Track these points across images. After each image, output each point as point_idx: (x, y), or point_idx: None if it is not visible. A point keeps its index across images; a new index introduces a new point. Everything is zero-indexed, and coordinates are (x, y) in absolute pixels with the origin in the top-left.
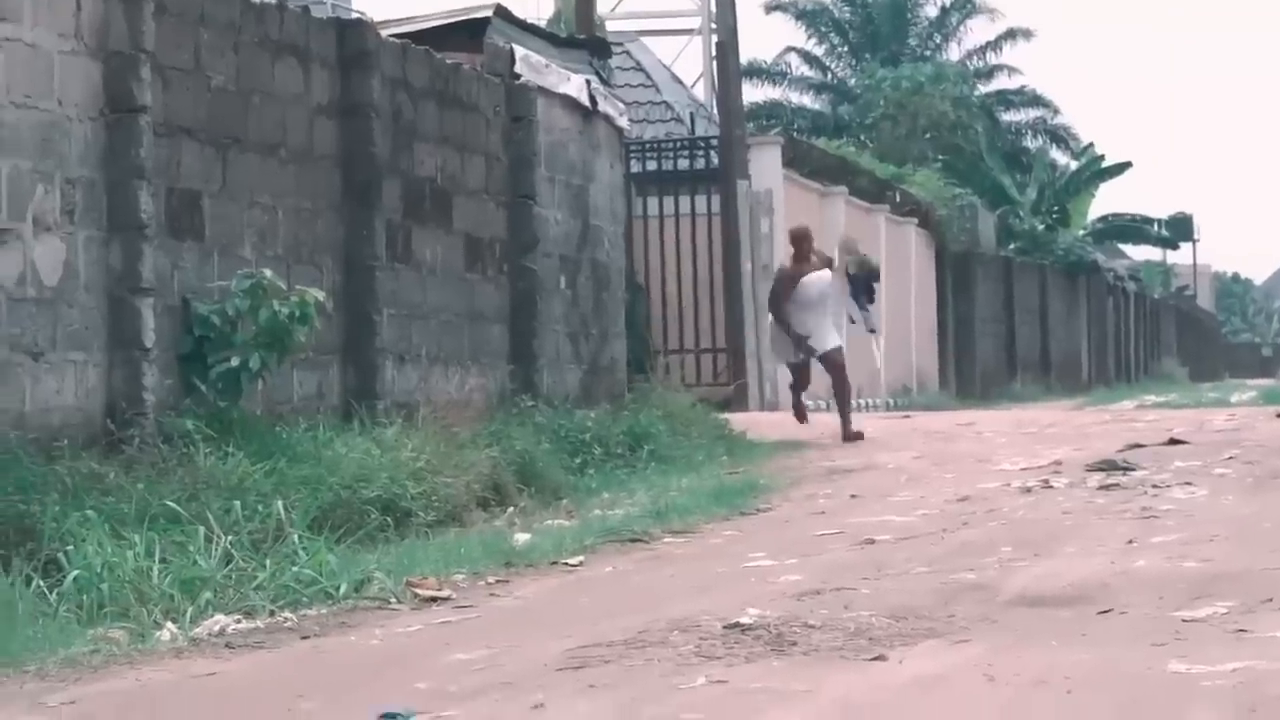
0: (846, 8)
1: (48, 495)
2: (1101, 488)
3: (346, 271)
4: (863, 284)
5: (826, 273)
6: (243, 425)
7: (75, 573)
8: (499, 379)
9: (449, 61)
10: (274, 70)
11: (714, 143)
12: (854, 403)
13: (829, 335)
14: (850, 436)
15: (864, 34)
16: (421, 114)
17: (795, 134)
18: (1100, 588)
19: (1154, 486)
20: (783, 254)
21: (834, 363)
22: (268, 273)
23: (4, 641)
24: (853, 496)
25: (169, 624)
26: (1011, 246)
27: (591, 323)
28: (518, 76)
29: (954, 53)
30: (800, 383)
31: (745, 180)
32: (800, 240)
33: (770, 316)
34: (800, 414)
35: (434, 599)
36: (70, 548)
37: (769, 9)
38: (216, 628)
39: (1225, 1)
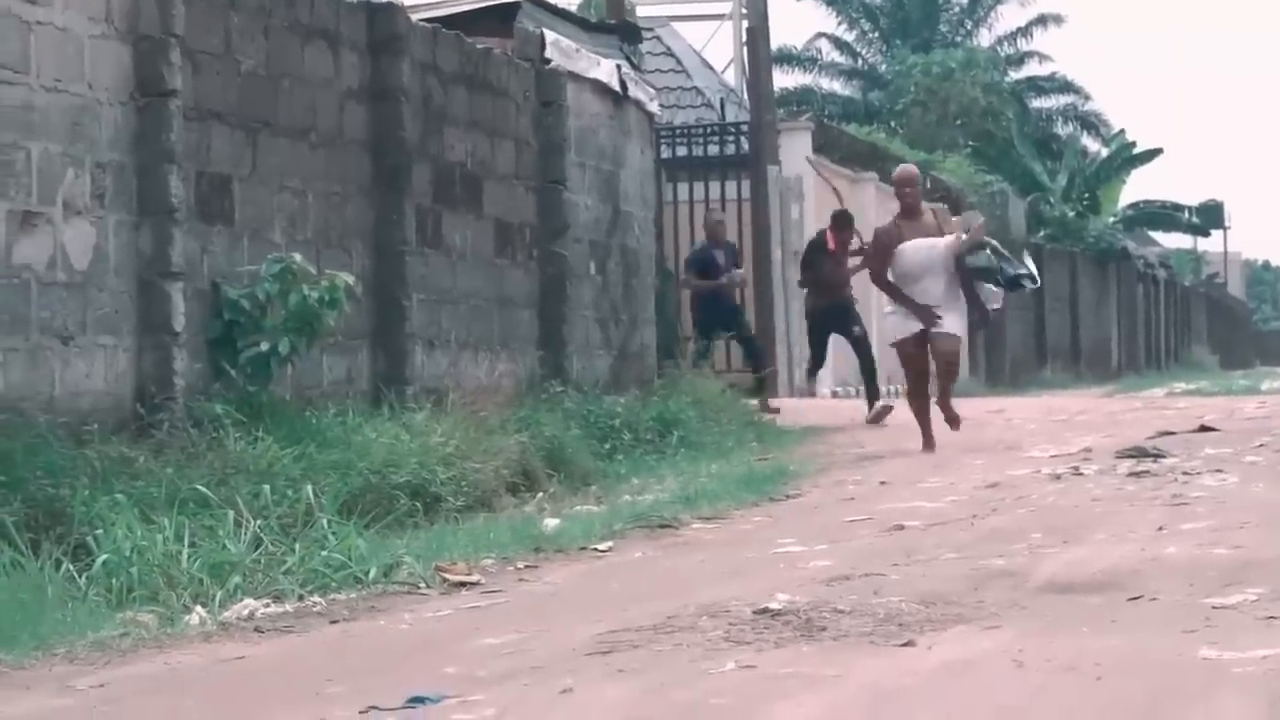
0: None
1: (77, 479)
2: (1131, 474)
3: (376, 256)
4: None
5: (940, 241)
6: (272, 410)
7: (104, 556)
8: (528, 364)
9: (479, 46)
10: (304, 54)
11: (744, 128)
12: (884, 388)
13: (954, 314)
14: (953, 420)
15: (895, 20)
16: (451, 98)
17: (826, 120)
18: (1130, 574)
19: (1184, 473)
20: (810, 235)
21: (946, 351)
22: (297, 257)
23: (34, 624)
24: (882, 483)
25: (198, 608)
26: (1042, 233)
27: (621, 308)
28: (548, 61)
29: (985, 39)
30: (916, 381)
31: (775, 166)
32: (905, 185)
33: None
34: (928, 439)
35: (463, 584)
36: (100, 531)
37: None
38: (245, 612)
39: None
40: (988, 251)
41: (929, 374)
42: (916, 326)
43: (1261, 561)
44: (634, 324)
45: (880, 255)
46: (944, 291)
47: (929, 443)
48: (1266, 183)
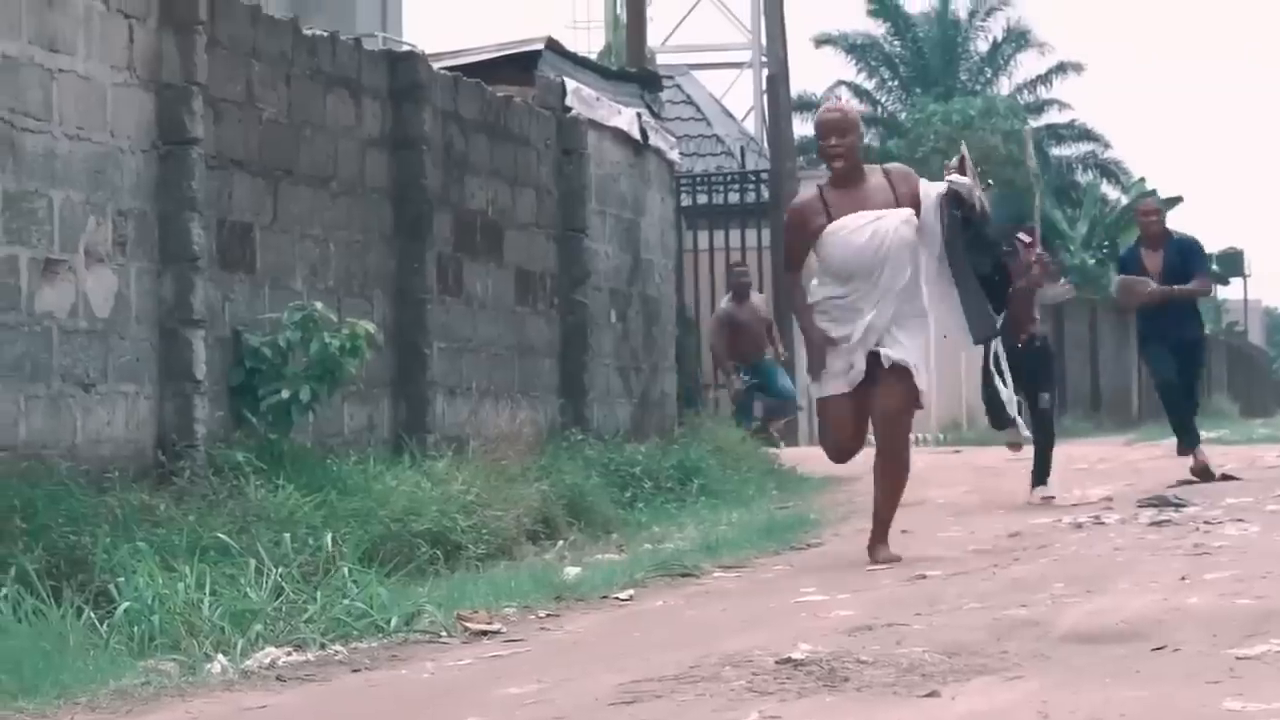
0: (897, 42)
1: (99, 527)
2: (1153, 524)
3: (397, 304)
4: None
5: (907, 212)
6: (293, 457)
7: (126, 604)
8: (549, 412)
9: (500, 94)
10: (326, 102)
11: (764, 176)
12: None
13: (904, 338)
14: (880, 558)
15: (915, 68)
16: (473, 146)
17: None
18: (1154, 624)
19: (1206, 523)
20: None
21: (888, 410)
22: (319, 305)
23: (55, 672)
24: (903, 531)
25: (219, 656)
26: (1062, 281)
27: (642, 357)
28: (569, 109)
29: (1004, 87)
30: (839, 456)
31: None
32: (831, 132)
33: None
34: (876, 547)
35: (484, 632)
36: (121, 579)
37: (819, 43)
38: (267, 660)
39: (1277, 35)
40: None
41: (858, 447)
42: (847, 378)
43: None
44: (654, 372)
45: (793, 246)
46: (898, 298)
47: (878, 554)
48: None
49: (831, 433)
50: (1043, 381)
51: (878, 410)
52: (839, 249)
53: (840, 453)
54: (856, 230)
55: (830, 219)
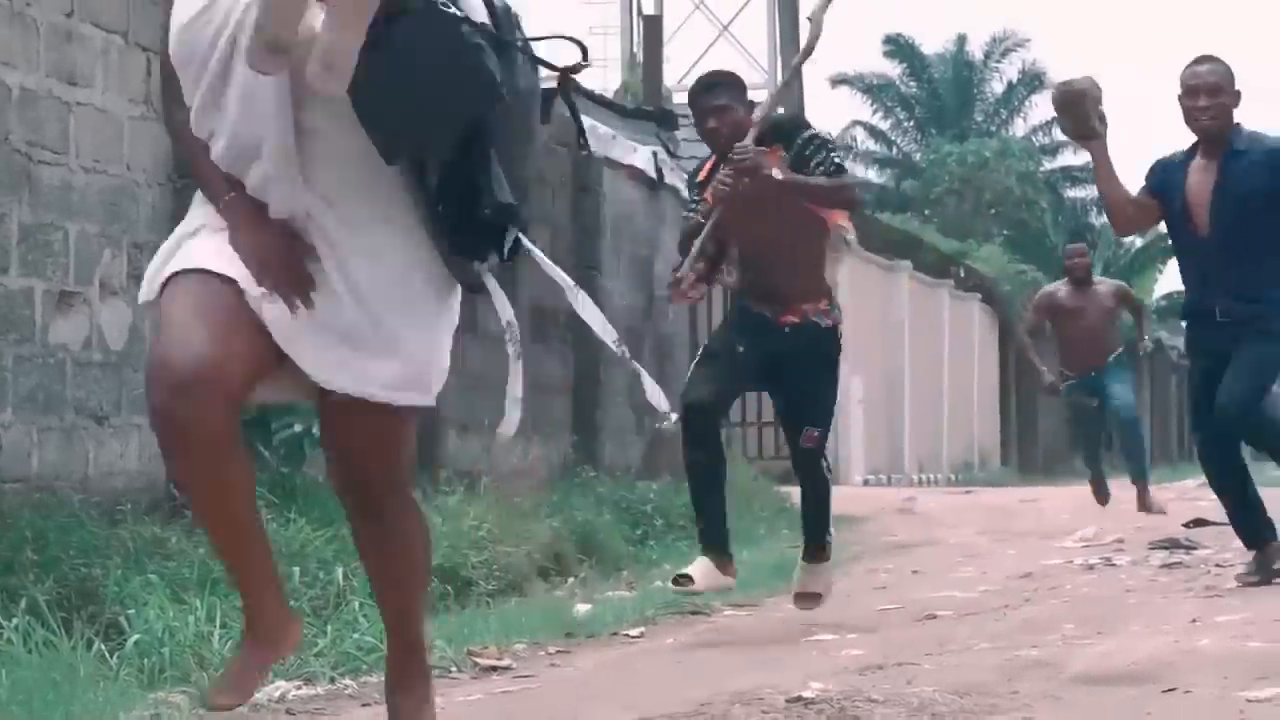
0: (913, 82)
1: (110, 559)
2: (1164, 566)
3: None
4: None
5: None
6: (305, 491)
7: (136, 636)
8: (561, 449)
9: None
10: None
11: None
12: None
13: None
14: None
15: (930, 109)
16: None
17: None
18: (1165, 666)
19: (1217, 565)
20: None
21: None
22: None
23: (65, 704)
24: (914, 572)
25: None
26: None
27: None
28: (584, 147)
29: (1019, 128)
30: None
31: None
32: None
33: None
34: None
35: (494, 668)
36: (132, 611)
37: (835, 83)
38: (277, 694)
39: None
40: None
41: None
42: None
43: None
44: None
45: None
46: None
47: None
48: None
49: None
50: (809, 409)
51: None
52: None
53: None
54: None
55: None
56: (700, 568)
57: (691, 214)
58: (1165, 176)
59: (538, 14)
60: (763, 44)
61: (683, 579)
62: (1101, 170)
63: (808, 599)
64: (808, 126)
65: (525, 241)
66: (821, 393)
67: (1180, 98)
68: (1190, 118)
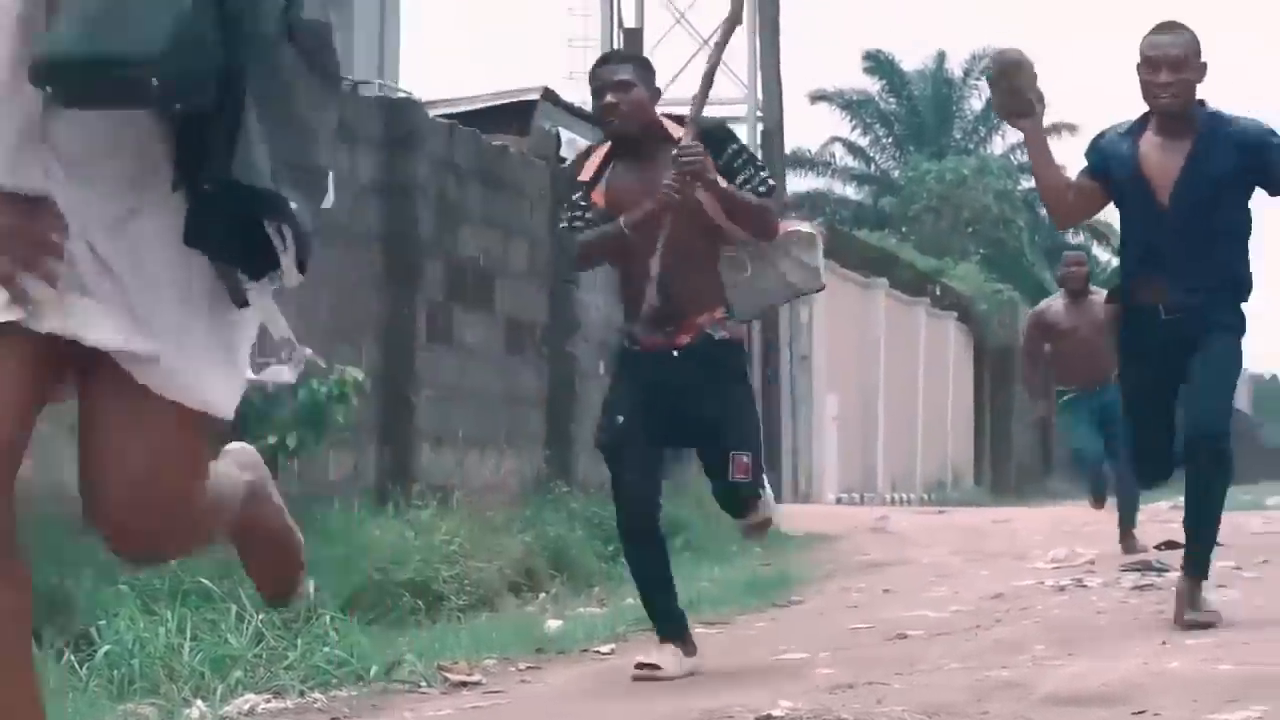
0: (892, 99)
1: (82, 570)
2: (1136, 588)
3: (386, 351)
4: None
5: None
6: None
7: (106, 648)
8: (535, 463)
9: (495, 143)
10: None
11: None
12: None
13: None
14: None
15: (909, 126)
16: (466, 195)
17: (837, 225)
18: (1134, 688)
19: None
20: (824, 345)
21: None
22: (308, 350)
23: None
24: (886, 591)
25: (198, 702)
26: None
27: None
28: (564, 160)
29: (998, 146)
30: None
31: None
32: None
33: None
34: None
35: (465, 684)
36: (102, 623)
37: (814, 99)
38: (246, 707)
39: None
40: None
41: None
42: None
43: (1264, 678)
44: None
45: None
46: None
47: None
48: (1274, 298)
49: None
50: (728, 432)
51: None
52: None
53: None
54: None
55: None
56: (667, 655)
57: (580, 221)
58: (1109, 151)
59: (520, 26)
60: (743, 59)
61: (648, 667)
62: (1036, 153)
63: (758, 528)
64: (736, 138)
65: (286, 260)
66: (735, 413)
67: (1139, 68)
68: (1149, 93)
